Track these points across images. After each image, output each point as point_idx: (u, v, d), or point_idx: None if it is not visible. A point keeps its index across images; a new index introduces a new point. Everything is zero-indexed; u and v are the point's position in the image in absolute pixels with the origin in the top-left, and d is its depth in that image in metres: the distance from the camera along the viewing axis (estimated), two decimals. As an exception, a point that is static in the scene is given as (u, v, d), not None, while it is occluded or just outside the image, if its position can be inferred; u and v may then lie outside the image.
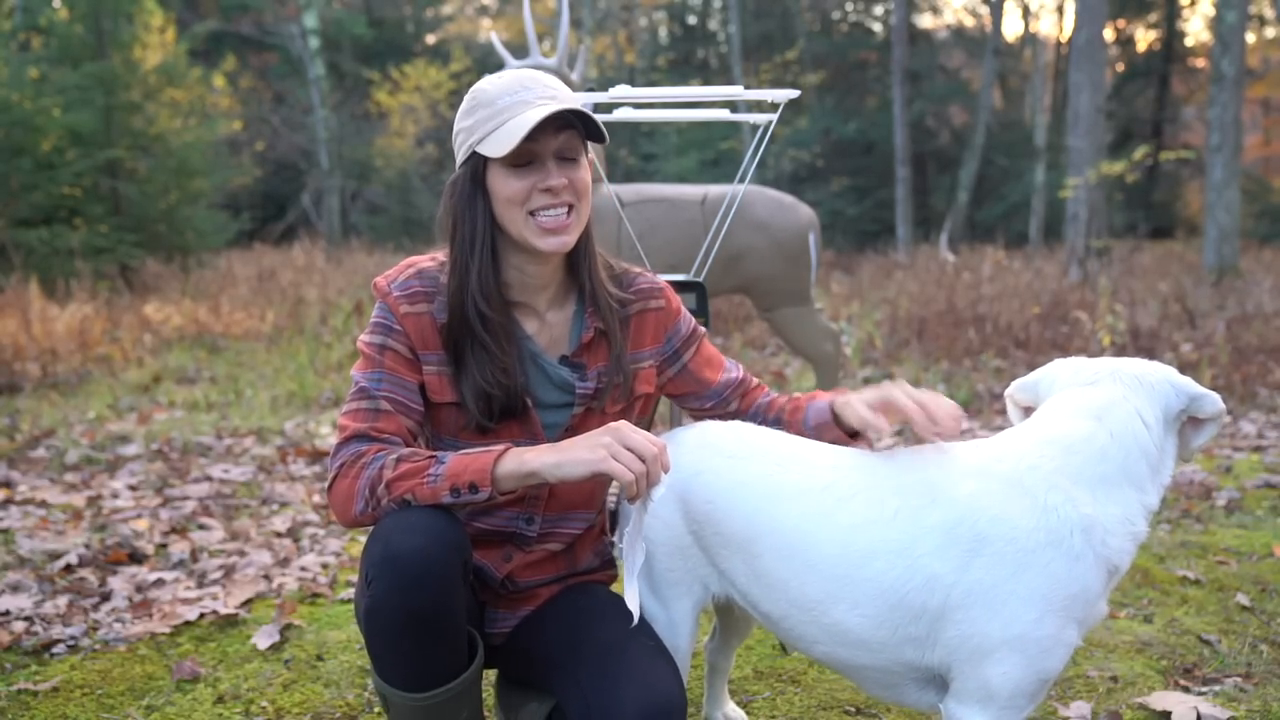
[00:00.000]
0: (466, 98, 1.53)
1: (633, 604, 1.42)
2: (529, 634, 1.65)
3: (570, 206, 1.50)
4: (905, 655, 1.43)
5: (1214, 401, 1.45)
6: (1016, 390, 1.60)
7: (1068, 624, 1.37)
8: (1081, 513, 1.38)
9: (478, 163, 1.50)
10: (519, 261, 1.56)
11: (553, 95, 1.48)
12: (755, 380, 1.77)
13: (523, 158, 1.48)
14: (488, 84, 1.51)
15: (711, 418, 1.72)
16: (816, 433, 1.65)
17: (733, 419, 1.70)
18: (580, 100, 2.32)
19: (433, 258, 1.59)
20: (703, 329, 1.75)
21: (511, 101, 1.46)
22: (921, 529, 1.40)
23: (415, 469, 1.40)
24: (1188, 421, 1.48)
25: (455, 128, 1.55)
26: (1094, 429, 1.43)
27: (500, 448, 1.40)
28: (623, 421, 1.39)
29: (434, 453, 1.42)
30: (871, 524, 1.43)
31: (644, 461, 1.34)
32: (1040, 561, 1.35)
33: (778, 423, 1.70)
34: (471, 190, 1.52)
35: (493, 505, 1.51)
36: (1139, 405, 1.44)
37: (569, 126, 1.49)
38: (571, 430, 1.57)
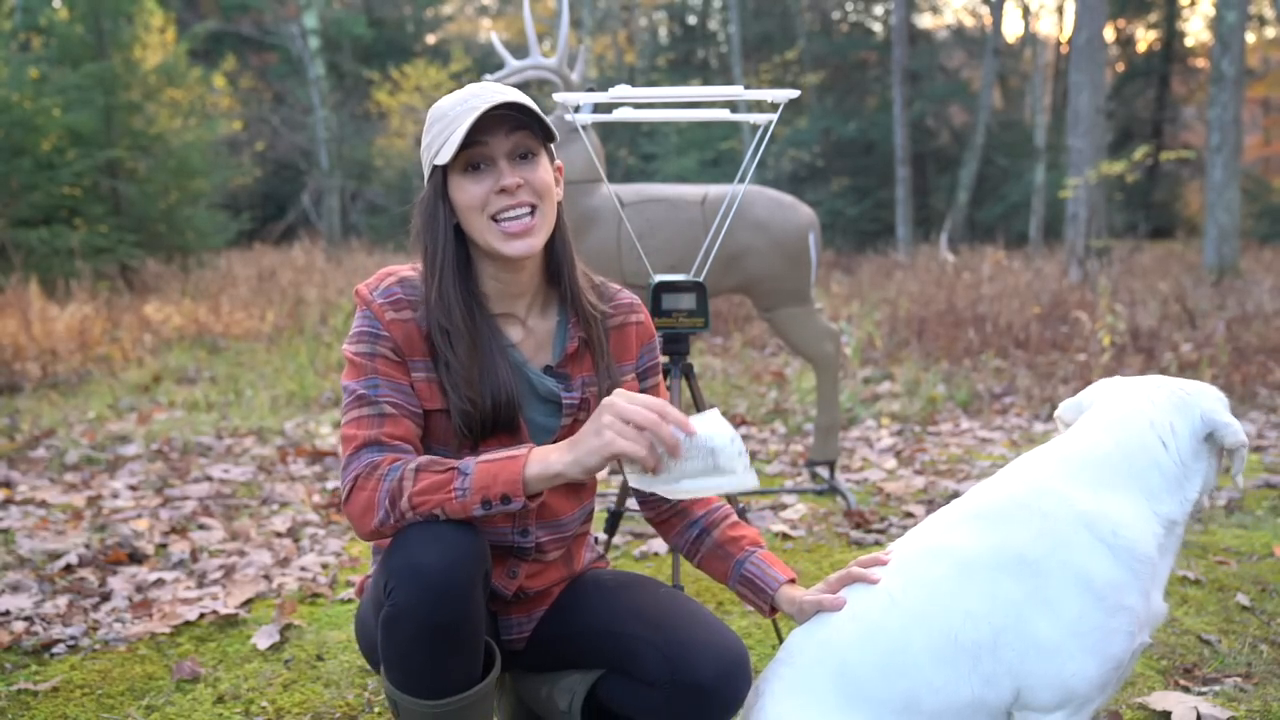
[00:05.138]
0: (427, 117, 1.51)
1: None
2: (557, 621, 1.64)
3: (533, 207, 1.47)
4: (1005, 698, 1.42)
5: (1234, 433, 1.45)
6: (1064, 410, 1.62)
7: (1117, 612, 1.38)
8: (1079, 509, 1.39)
9: (439, 176, 1.49)
10: (493, 270, 1.53)
11: (503, 100, 1.45)
12: None
13: (476, 161, 1.46)
14: (443, 100, 1.50)
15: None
16: (743, 583, 1.62)
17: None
18: (575, 99, 2.32)
19: (414, 268, 1.56)
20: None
21: (461, 110, 1.44)
22: (930, 582, 1.43)
23: (439, 482, 1.35)
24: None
25: (421, 150, 1.53)
26: (1099, 439, 1.46)
27: (522, 451, 1.36)
28: (616, 394, 1.34)
29: (453, 463, 1.38)
30: (887, 610, 1.45)
31: (646, 429, 1.29)
32: (1054, 565, 1.38)
33: (705, 532, 1.66)
34: (434, 206, 1.49)
35: (487, 520, 1.47)
36: (1157, 418, 1.46)
37: (522, 126, 1.46)
38: (559, 440, 1.55)
